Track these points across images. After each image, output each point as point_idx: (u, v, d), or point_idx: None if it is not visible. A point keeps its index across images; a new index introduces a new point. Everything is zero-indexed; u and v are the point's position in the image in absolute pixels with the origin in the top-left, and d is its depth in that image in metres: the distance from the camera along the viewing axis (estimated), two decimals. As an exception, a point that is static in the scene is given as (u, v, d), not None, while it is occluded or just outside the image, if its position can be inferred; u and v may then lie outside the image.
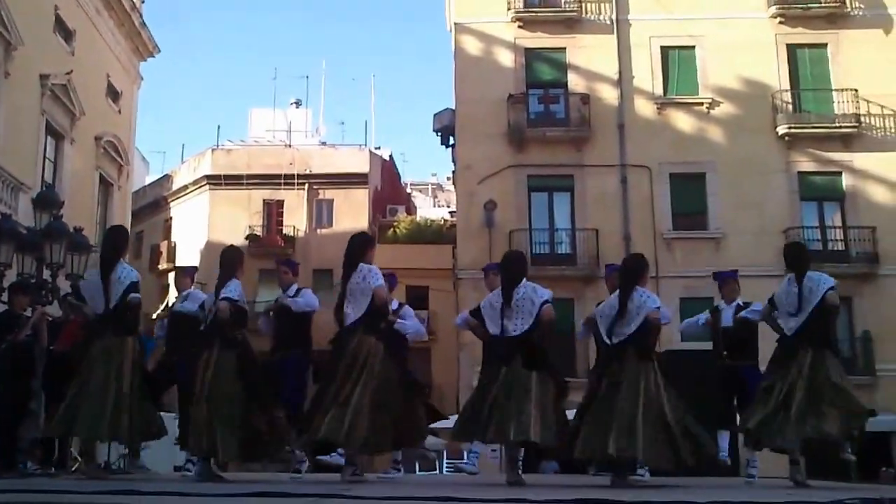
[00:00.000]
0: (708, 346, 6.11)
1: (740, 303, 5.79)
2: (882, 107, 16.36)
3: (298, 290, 5.62)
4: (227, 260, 4.85)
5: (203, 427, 4.45)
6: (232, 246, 5.15)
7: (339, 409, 4.22)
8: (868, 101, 16.31)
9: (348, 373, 4.31)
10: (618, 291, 4.67)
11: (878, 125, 16.43)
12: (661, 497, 3.46)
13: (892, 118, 16.43)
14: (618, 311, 4.53)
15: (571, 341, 12.95)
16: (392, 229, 22.85)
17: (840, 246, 16.08)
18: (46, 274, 7.75)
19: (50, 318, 6.37)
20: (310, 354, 5.52)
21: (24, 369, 6.02)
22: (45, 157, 13.95)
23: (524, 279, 4.69)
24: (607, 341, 4.62)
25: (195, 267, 6.79)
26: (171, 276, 19.49)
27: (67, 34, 14.73)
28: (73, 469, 6.34)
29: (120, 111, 16.99)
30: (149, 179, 26.68)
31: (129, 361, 4.67)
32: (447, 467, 15.60)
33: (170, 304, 6.06)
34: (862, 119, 16.23)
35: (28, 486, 3.91)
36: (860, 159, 16.26)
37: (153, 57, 18.13)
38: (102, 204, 16.18)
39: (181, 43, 55.87)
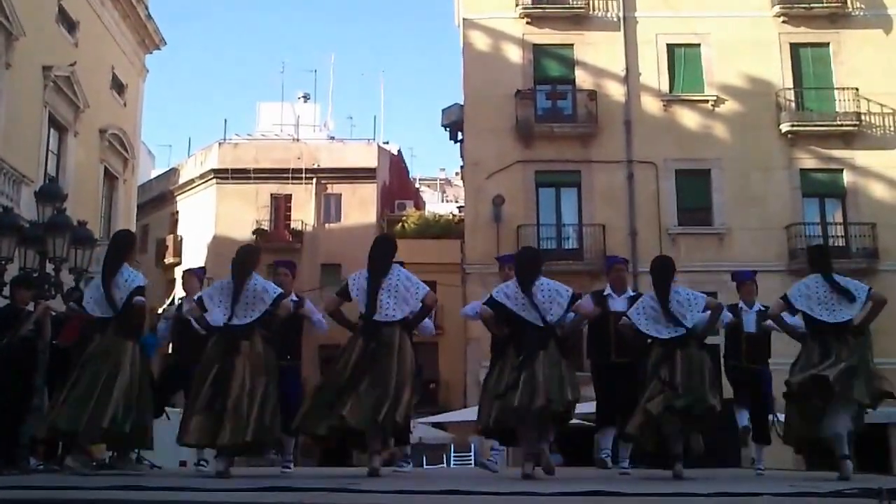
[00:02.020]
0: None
1: (761, 307, 5.48)
2: (882, 105, 15.82)
3: (300, 298, 5.16)
4: (240, 260, 4.37)
5: (242, 417, 4.05)
6: (250, 245, 4.71)
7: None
8: (868, 100, 15.77)
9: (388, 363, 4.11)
10: (652, 294, 4.57)
11: (878, 123, 15.93)
12: (666, 489, 3.24)
13: (891, 116, 15.93)
14: (662, 309, 4.47)
15: (579, 337, 12.27)
16: (400, 224, 21.92)
17: (841, 242, 15.65)
18: (49, 268, 7.12)
19: (53, 313, 5.91)
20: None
21: (27, 365, 5.63)
22: (48, 149, 13.03)
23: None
24: (661, 336, 4.47)
25: (203, 268, 6.16)
26: (178, 271, 18.58)
27: (71, 25, 13.68)
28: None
29: (125, 104, 15.96)
30: (155, 173, 25.54)
31: (127, 363, 4.37)
32: (454, 461, 14.90)
33: (176, 303, 5.61)
34: (863, 117, 15.69)
35: (31, 482, 3.59)
36: (861, 157, 15.72)
37: (159, 49, 17.09)
38: (107, 197, 15.24)
39: (188, 36, 54.21)
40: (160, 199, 23.95)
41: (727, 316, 5.25)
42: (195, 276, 5.65)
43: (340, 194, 21.82)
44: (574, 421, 4.61)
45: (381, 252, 4.36)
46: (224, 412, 3.97)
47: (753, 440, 5.53)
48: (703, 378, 4.35)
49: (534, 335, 4.21)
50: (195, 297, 4.60)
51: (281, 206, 21.87)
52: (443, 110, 16.92)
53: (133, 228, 17.19)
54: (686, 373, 4.33)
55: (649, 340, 4.57)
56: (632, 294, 5.11)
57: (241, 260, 4.33)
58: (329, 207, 21.80)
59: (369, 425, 3.98)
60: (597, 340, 5.11)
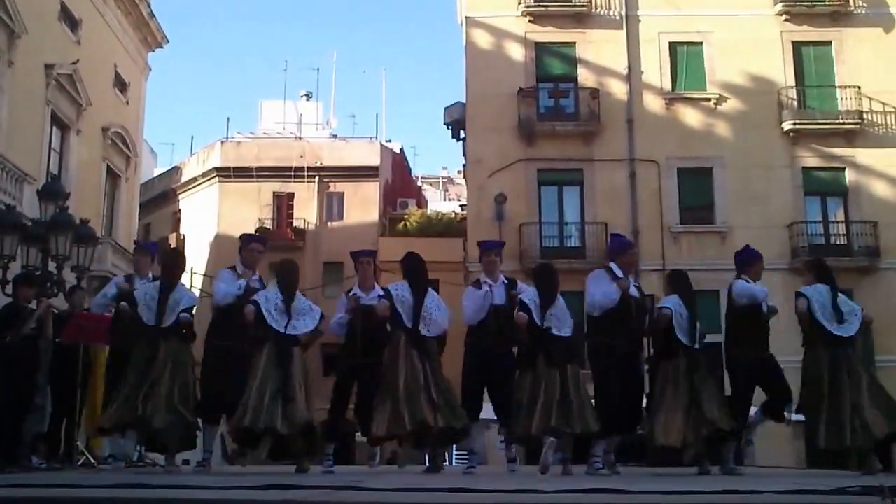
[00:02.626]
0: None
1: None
2: (884, 104, 15.75)
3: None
4: (290, 273, 4.86)
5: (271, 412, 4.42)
6: (290, 260, 5.09)
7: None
8: (870, 99, 15.70)
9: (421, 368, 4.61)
10: (676, 299, 4.89)
11: (880, 122, 15.86)
12: (668, 487, 3.24)
13: (893, 115, 15.87)
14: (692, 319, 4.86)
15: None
16: (402, 222, 21.82)
17: (842, 240, 15.59)
18: (52, 266, 7.07)
19: (55, 311, 5.98)
20: None
21: (29, 363, 5.68)
22: (50, 147, 12.96)
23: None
24: (692, 345, 4.83)
25: (155, 243, 6.38)
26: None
27: (73, 23, 13.60)
28: (80, 463, 5.76)
29: (128, 102, 15.88)
30: (157, 171, 25.42)
31: (190, 370, 4.67)
32: (455, 460, 14.81)
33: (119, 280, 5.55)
34: (865, 116, 15.61)
35: (32, 480, 3.61)
36: (863, 155, 15.64)
37: (161, 48, 17.01)
38: (109, 195, 15.18)
39: (190, 34, 54.21)
40: (162, 197, 23.85)
41: (758, 292, 4.94)
42: (148, 255, 5.63)
43: (343, 192, 21.68)
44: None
45: (420, 269, 4.87)
46: (292, 401, 4.37)
47: (763, 412, 5.01)
48: (722, 402, 4.77)
49: (560, 346, 4.52)
50: (250, 302, 4.72)
51: (283, 204, 21.75)
52: (445, 108, 16.83)
53: (135, 226, 17.15)
54: (708, 395, 4.71)
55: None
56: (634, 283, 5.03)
57: (292, 272, 4.85)
58: (331, 206, 21.66)
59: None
60: (620, 322, 4.67)
